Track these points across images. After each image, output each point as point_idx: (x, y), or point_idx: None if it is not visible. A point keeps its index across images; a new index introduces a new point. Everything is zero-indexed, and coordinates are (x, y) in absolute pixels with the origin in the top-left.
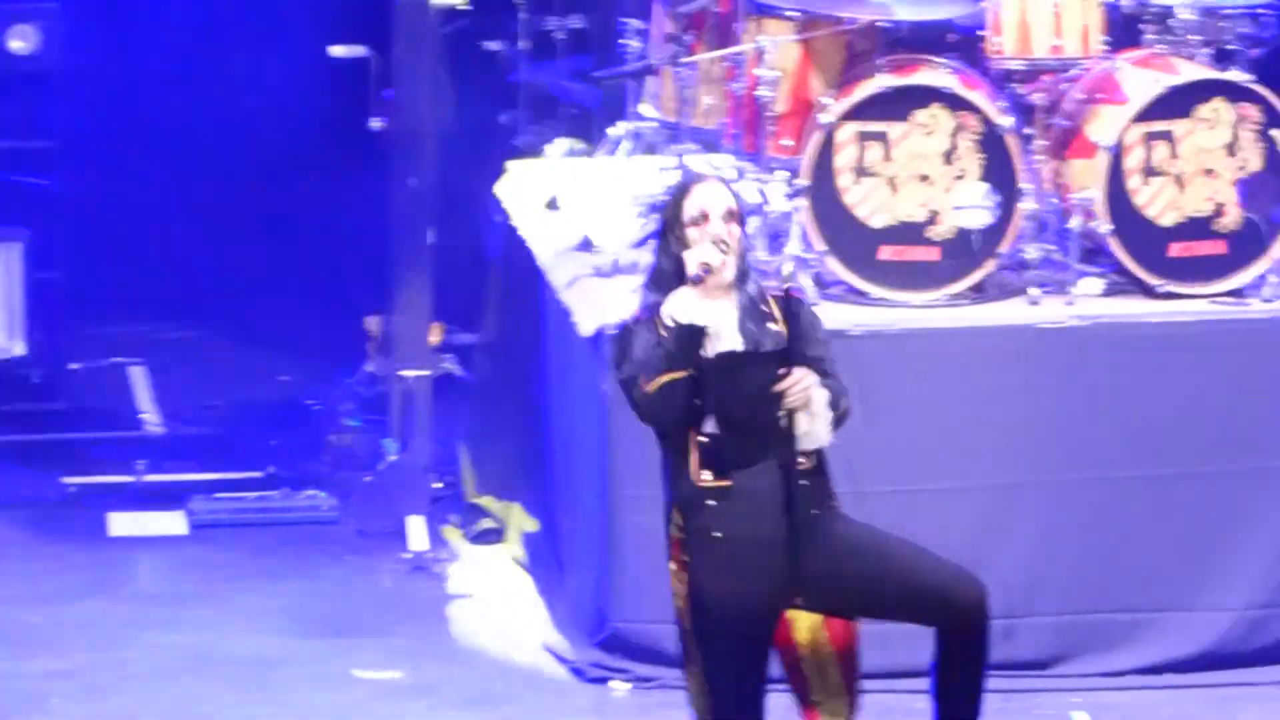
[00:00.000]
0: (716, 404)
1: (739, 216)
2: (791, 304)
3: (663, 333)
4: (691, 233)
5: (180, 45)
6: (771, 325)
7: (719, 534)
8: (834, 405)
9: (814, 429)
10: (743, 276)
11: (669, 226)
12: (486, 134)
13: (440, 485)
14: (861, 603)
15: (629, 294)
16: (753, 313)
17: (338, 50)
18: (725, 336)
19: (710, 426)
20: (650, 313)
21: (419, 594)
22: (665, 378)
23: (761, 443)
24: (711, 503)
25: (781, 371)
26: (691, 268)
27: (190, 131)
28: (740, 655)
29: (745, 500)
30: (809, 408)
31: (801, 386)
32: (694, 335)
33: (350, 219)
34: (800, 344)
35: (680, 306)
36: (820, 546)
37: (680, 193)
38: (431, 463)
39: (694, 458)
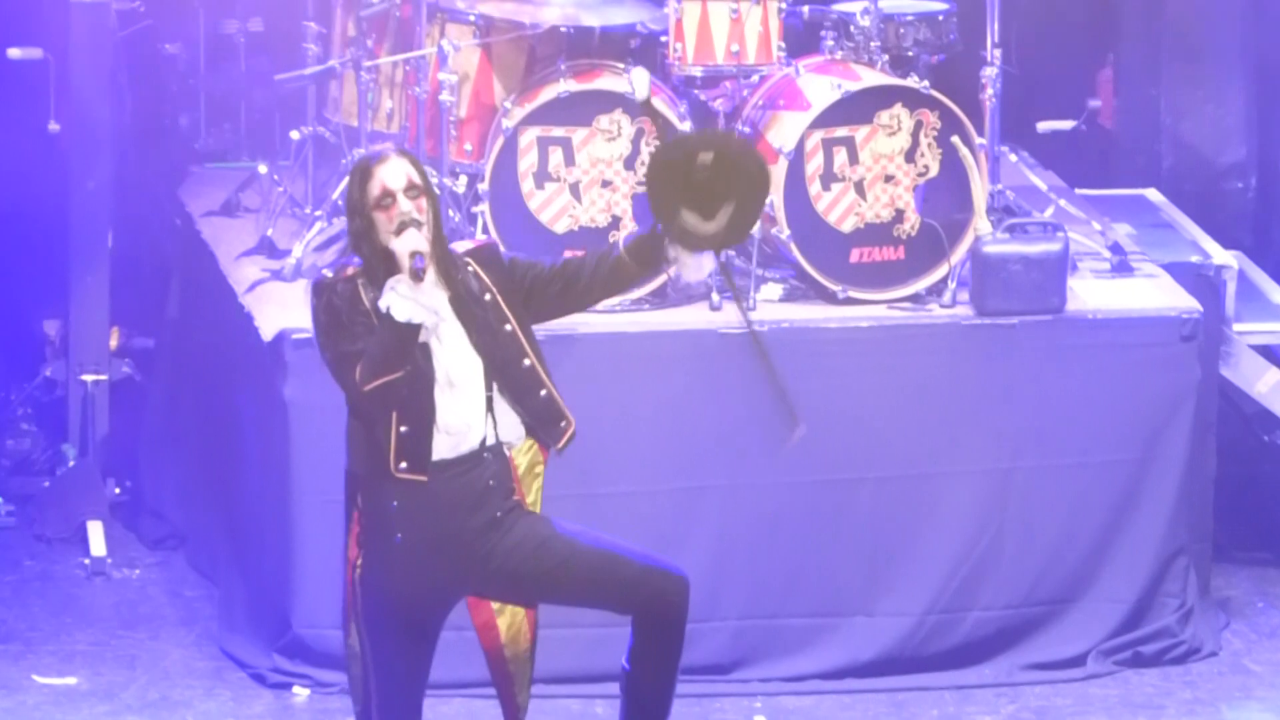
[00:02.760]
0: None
1: (425, 187)
2: (485, 252)
3: (375, 320)
4: (379, 217)
5: None
6: (486, 295)
7: (400, 535)
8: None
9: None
10: (445, 253)
11: (355, 211)
12: (166, 137)
13: (119, 491)
14: (551, 587)
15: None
16: (467, 287)
17: (14, 52)
18: (446, 325)
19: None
20: (349, 275)
21: (98, 599)
22: (383, 379)
23: (465, 436)
24: (396, 503)
25: None
26: (404, 261)
27: None
28: (404, 649)
29: (434, 498)
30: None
31: None
32: (413, 332)
33: (28, 221)
34: (512, 283)
35: (398, 304)
36: (507, 542)
37: (360, 176)
38: (111, 468)
39: (392, 446)
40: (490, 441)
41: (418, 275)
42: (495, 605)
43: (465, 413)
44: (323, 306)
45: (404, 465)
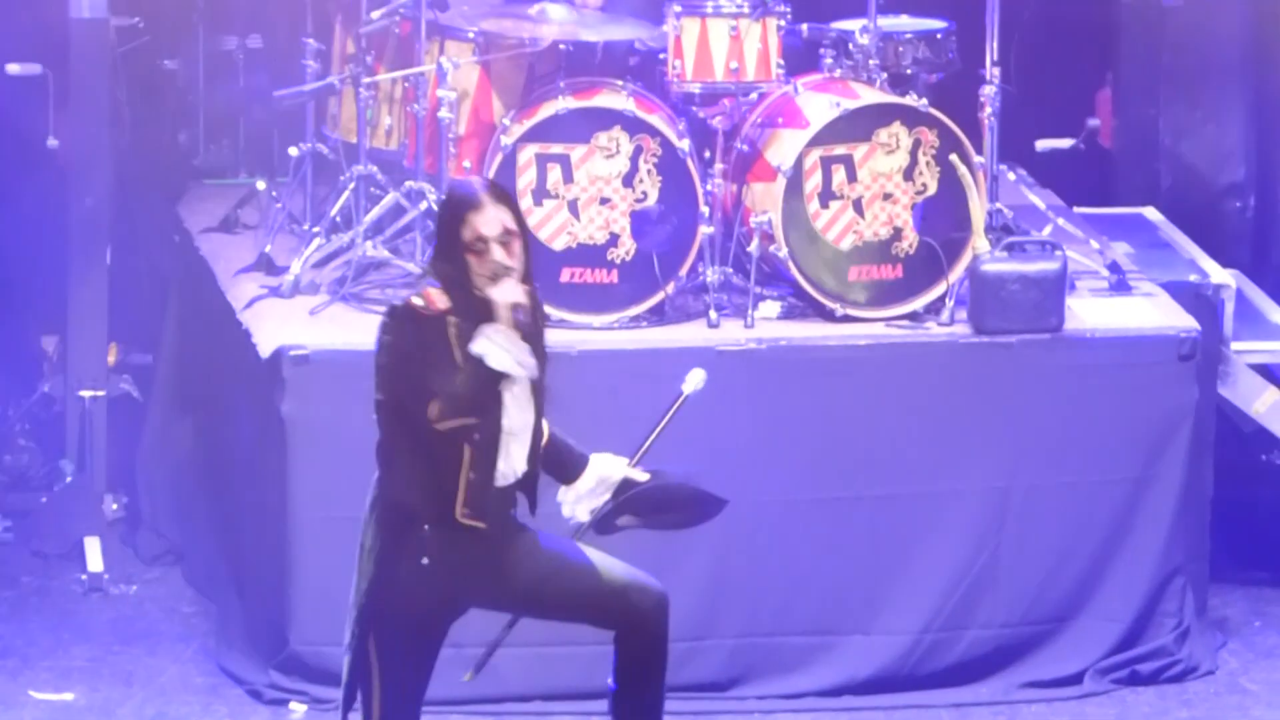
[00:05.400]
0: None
1: (520, 229)
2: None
3: (459, 359)
4: (471, 260)
5: None
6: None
7: (428, 559)
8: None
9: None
10: (533, 296)
11: (446, 253)
12: (165, 153)
13: (117, 507)
14: (536, 601)
15: (307, 316)
16: (535, 336)
17: (13, 68)
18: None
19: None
20: (439, 314)
21: (95, 615)
22: (459, 422)
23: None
24: (428, 528)
25: None
26: (503, 314)
27: None
28: (414, 663)
29: (472, 533)
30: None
31: None
32: (499, 381)
33: (26, 237)
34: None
35: (494, 353)
36: (509, 556)
37: (451, 219)
38: (108, 484)
39: (461, 493)
40: (520, 480)
41: (520, 328)
42: None
43: (518, 463)
44: (410, 336)
45: (468, 511)
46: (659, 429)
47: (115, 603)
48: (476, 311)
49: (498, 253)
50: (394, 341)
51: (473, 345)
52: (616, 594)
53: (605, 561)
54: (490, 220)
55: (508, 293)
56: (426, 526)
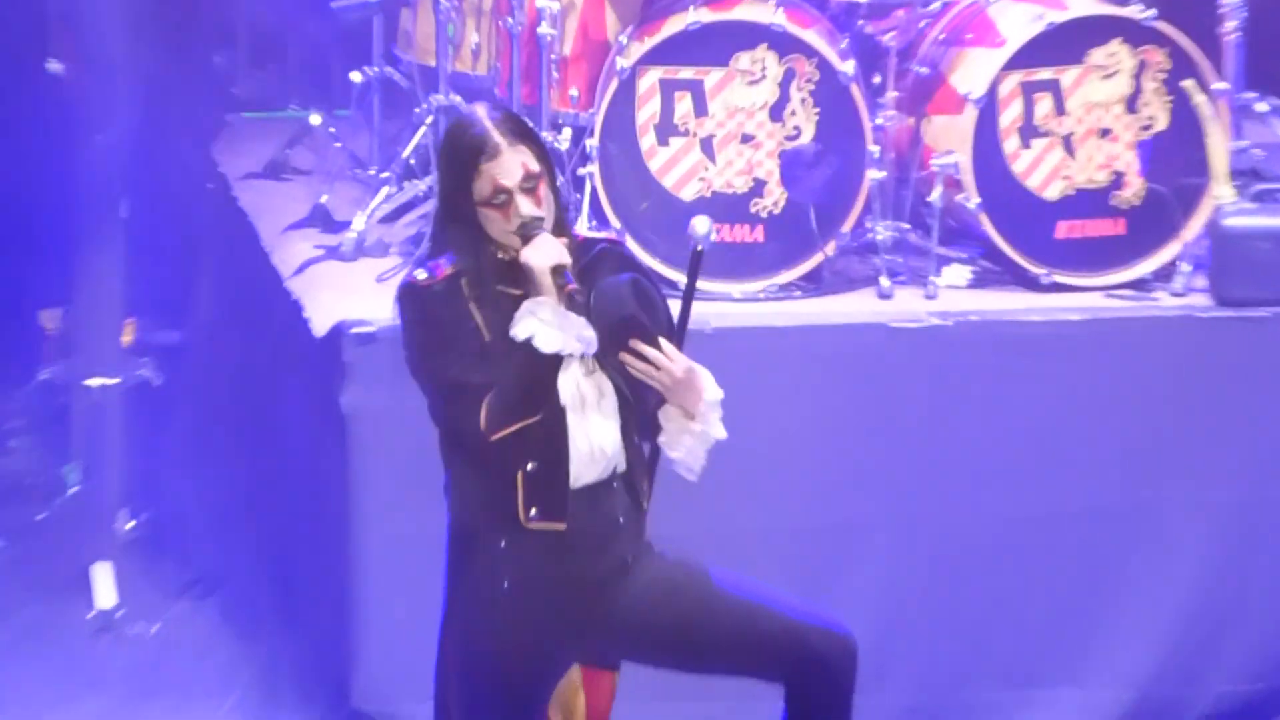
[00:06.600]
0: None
1: (546, 169)
2: (610, 258)
3: (485, 334)
4: (490, 215)
5: None
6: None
7: (508, 582)
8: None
9: (686, 436)
10: (570, 242)
11: (452, 210)
12: (196, 79)
13: (134, 524)
14: (683, 647)
15: (374, 283)
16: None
17: None
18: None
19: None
20: (449, 275)
21: (107, 660)
22: (518, 424)
23: (595, 463)
24: (504, 542)
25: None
26: (544, 280)
27: None
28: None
29: (553, 536)
30: (681, 398)
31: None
32: (557, 365)
33: (21, 185)
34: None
35: (544, 333)
36: (634, 589)
37: (458, 164)
38: (123, 496)
39: (521, 490)
40: (621, 469)
41: (570, 296)
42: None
43: (599, 437)
44: (420, 319)
45: (535, 512)
46: (686, 306)
47: (132, 645)
48: (504, 273)
49: (524, 204)
50: (408, 331)
51: (514, 329)
52: (793, 637)
53: (773, 594)
54: (509, 166)
55: (545, 253)
56: (503, 542)
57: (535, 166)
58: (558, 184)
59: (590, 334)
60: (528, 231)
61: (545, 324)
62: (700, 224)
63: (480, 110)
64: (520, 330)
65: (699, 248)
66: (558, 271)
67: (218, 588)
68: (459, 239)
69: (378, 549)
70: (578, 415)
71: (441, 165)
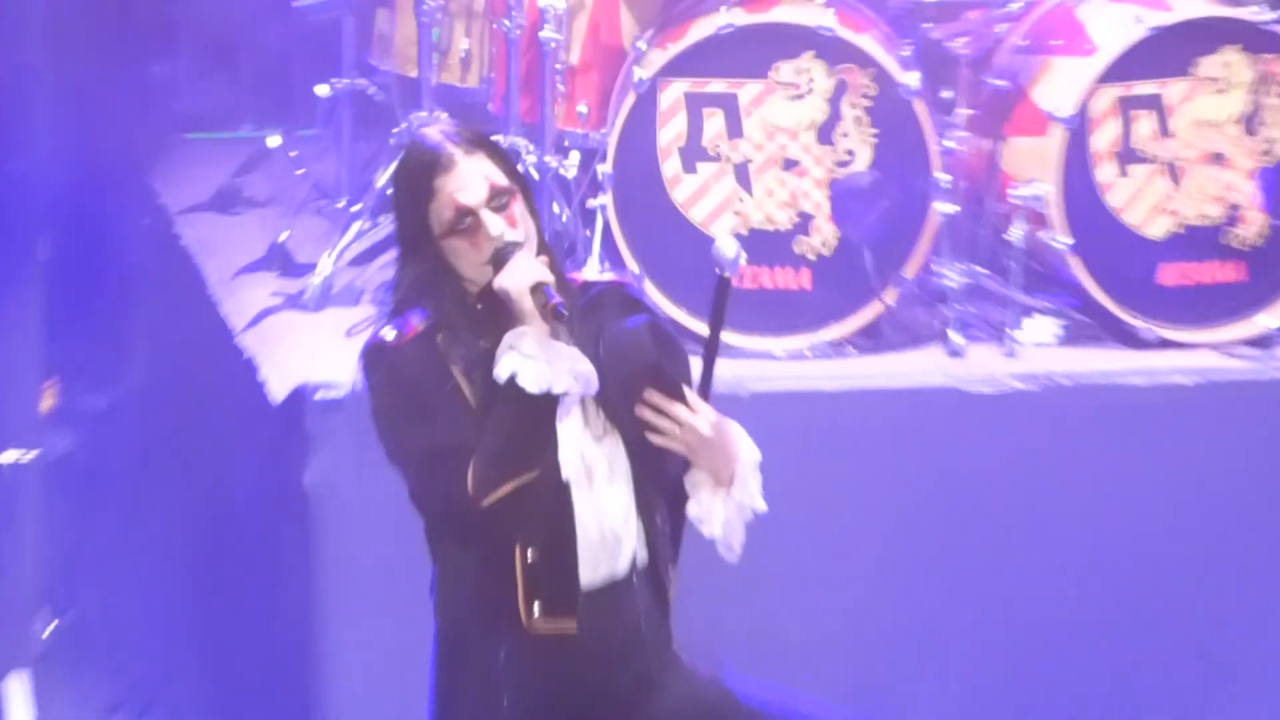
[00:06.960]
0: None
1: (515, 182)
2: (614, 298)
3: (467, 392)
4: (457, 246)
5: None
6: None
7: (507, 699)
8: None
9: (719, 506)
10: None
11: (414, 242)
12: (132, 94)
13: (54, 626)
14: None
15: (343, 338)
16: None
17: None
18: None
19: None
20: (420, 332)
21: None
22: (512, 484)
23: (609, 552)
24: (503, 652)
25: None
26: (525, 303)
27: None
28: None
29: (562, 644)
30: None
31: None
32: (550, 409)
33: None
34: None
35: (527, 369)
36: (659, 714)
37: (411, 189)
38: (41, 593)
39: (520, 585)
40: (643, 561)
41: (557, 315)
42: None
43: (611, 517)
44: (390, 386)
45: (540, 609)
46: (712, 348)
47: None
48: (484, 324)
49: (493, 223)
50: (375, 398)
51: (496, 368)
52: None
53: (827, 712)
54: (469, 178)
55: (521, 274)
56: (502, 653)
57: (502, 180)
58: (533, 199)
59: (586, 368)
60: (500, 256)
61: (528, 358)
62: (727, 246)
63: (432, 128)
64: (501, 369)
65: (726, 274)
66: (538, 290)
67: (154, 704)
68: (425, 285)
69: (346, 657)
70: (584, 491)
71: (395, 200)
